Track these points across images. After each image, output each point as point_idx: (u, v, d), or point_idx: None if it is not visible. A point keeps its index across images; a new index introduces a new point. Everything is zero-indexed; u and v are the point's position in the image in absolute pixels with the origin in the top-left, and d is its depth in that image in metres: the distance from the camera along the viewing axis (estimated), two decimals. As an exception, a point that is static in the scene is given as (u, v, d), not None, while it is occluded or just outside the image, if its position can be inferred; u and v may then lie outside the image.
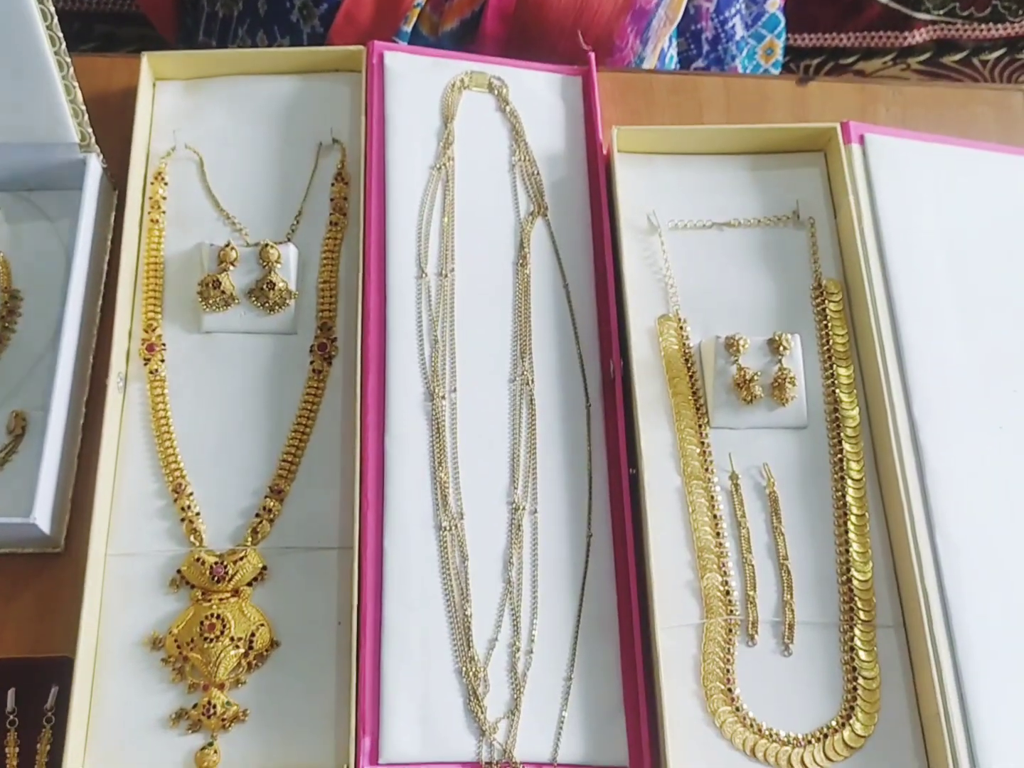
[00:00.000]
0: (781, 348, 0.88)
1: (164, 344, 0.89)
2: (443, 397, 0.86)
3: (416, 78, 0.98)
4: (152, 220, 0.94)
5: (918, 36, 1.59)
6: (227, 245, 0.91)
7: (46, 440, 0.82)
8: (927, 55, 1.67)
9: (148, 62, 0.98)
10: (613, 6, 1.09)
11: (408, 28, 1.08)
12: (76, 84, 0.88)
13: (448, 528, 0.82)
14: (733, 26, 1.41)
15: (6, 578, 0.84)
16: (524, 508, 0.83)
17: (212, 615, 0.80)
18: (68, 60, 0.86)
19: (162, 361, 0.89)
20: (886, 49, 1.63)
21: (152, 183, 0.95)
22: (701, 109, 1.03)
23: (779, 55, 1.53)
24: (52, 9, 0.83)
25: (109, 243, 0.95)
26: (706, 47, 1.41)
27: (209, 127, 0.98)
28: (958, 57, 1.66)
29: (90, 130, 0.91)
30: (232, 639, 0.79)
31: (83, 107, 0.89)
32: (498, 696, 0.78)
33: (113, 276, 0.93)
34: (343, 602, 0.81)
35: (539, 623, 0.80)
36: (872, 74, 1.70)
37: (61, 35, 0.84)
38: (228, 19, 1.18)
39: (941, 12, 1.55)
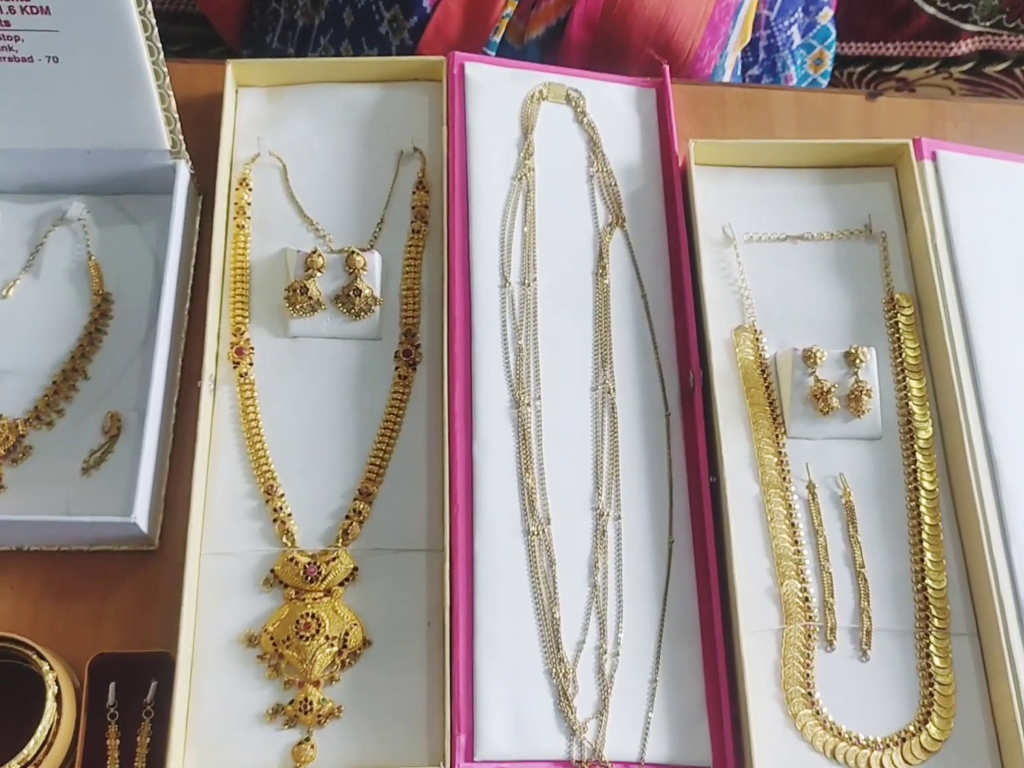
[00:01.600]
0: (857, 361, 0.90)
1: (252, 348, 0.91)
2: (528, 404, 0.88)
3: (496, 89, 1.00)
4: (238, 225, 0.96)
5: (964, 47, 1.60)
6: (314, 251, 0.93)
7: (144, 441, 0.84)
8: (970, 65, 1.68)
9: (233, 69, 1.00)
10: (695, 19, 1.11)
11: (497, 39, 1.10)
12: (171, 92, 0.90)
13: (536, 533, 0.84)
14: (790, 35, 1.43)
15: (103, 575, 0.86)
16: (608, 514, 0.86)
17: (307, 614, 0.82)
18: (165, 69, 0.88)
19: (251, 364, 0.91)
20: (930, 58, 1.65)
21: (237, 189, 0.97)
22: (772, 123, 1.04)
23: (828, 65, 1.55)
24: (152, 20, 0.85)
25: (195, 247, 0.97)
26: (762, 55, 1.42)
27: (290, 134, 1.00)
28: (1000, 67, 1.67)
29: (181, 137, 0.93)
30: (327, 638, 0.81)
31: (176, 115, 0.91)
32: (586, 697, 0.80)
33: (200, 280, 0.95)
34: (432, 603, 0.83)
35: (624, 626, 0.82)
36: (915, 82, 1.72)
37: (160, 45, 0.86)
38: (308, 28, 1.20)
39: (988, 24, 1.56)
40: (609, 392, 0.90)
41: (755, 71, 1.43)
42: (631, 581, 0.84)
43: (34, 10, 0.83)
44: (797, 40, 1.46)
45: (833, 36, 1.51)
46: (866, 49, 1.63)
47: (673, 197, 0.97)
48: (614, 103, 1.02)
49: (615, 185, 0.98)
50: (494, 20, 1.11)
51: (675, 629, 0.83)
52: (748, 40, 1.23)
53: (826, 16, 1.51)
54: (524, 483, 0.86)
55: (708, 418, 0.88)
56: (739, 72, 1.33)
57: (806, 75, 1.53)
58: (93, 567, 0.86)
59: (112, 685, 0.81)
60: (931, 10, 1.55)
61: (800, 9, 1.45)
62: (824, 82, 1.55)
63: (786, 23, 1.43)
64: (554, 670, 0.80)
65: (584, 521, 0.85)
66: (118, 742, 0.80)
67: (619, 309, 0.93)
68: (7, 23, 0.84)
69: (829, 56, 1.54)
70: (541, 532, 0.84)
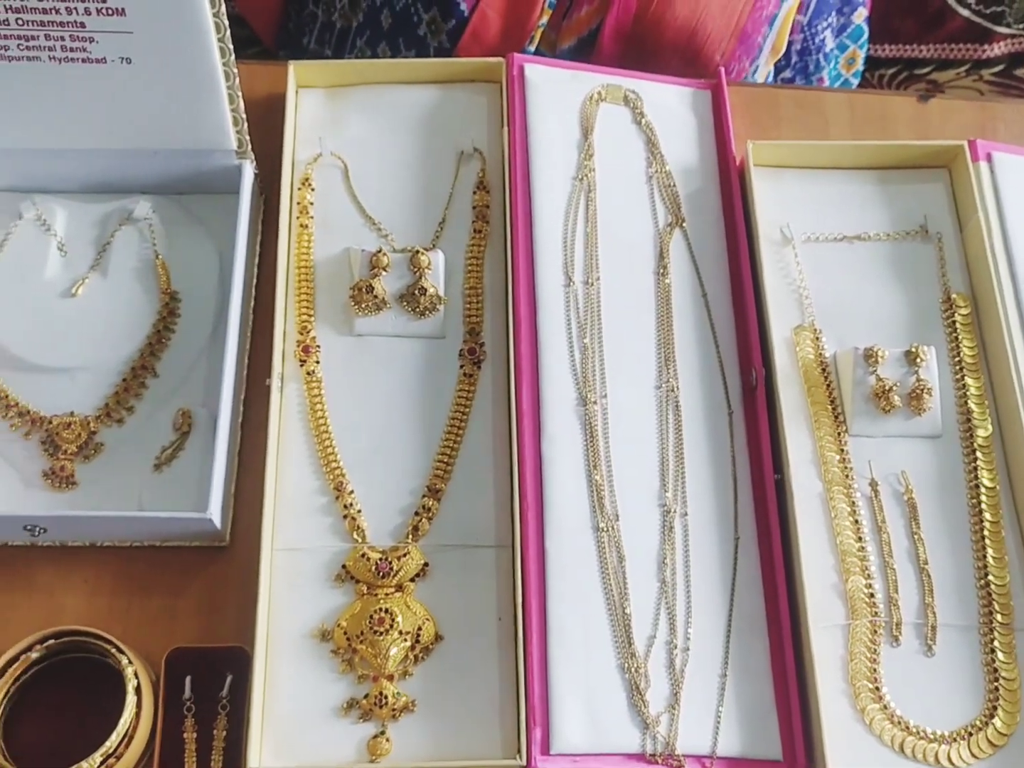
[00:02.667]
0: (918, 359, 0.91)
1: (318, 346, 0.92)
2: (594, 402, 0.89)
3: (554, 90, 1.01)
4: (301, 225, 0.97)
5: (996, 49, 1.61)
6: (379, 251, 0.94)
7: (217, 438, 0.85)
8: (1000, 67, 1.69)
9: (294, 70, 1.01)
10: (725, 30, 1.12)
11: (532, 48, 1.11)
12: (239, 93, 0.91)
13: (605, 529, 0.85)
14: (823, 39, 1.44)
15: (175, 571, 0.87)
16: (675, 511, 0.86)
17: (381, 609, 0.83)
18: (235, 70, 0.89)
19: (317, 363, 0.92)
20: (961, 61, 1.66)
21: (299, 188, 0.98)
22: (827, 124, 1.06)
23: (860, 65, 1.56)
24: (225, 21, 0.86)
25: (259, 247, 0.98)
26: (795, 58, 1.43)
27: (350, 134, 1.01)
28: (1031, 69, 1.68)
29: (247, 138, 0.94)
30: (401, 633, 0.82)
31: (243, 115, 0.92)
32: (658, 691, 0.81)
33: (264, 279, 0.96)
34: (502, 598, 0.84)
35: (693, 622, 0.83)
36: (944, 84, 1.73)
37: (231, 46, 0.87)
38: (346, 30, 1.21)
39: (1021, 26, 1.57)
40: (673, 390, 0.91)
41: (787, 74, 1.44)
42: (699, 577, 0.85)
43: (110, 12, 0.84)
44: (830, 43, 1.47)
45: (866, 35, 1.52)
46: (899, 51, 1.64)
47: (731, 197, 0.98)
48: (670, 104, 1.03)
49: (674, 186, 0.99)
50: (530, 28, 1.13)
51: (742, 624, 0.84)
52: (783, 51, 1.24)
53: (860, 16, 1.52)
54: (592, 480, 0.86)
55: (770, 416, 0.89)
56: (772, 77, 1.34)
57: (838, 75, 1.54)
58: (165, 562, 0.87)
59: (188, 679, 0.82)
60: (965, 12, 1.56)
61: (834, 12, 1.46)
62: (855, 82, 1.56)
63: (820, 27, 1.44)
64: (626, 664, 0.81)
65: (651, 517, 0.86)
66: (195, 735, 0.81)
67: (680, 308, 0.94)
68: (82, 24, 0.85)
69: (862, 55, 1.55)
70: (610, 528, 0.85)
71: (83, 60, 0.87)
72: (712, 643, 0.83)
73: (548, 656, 0.80)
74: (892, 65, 1.72)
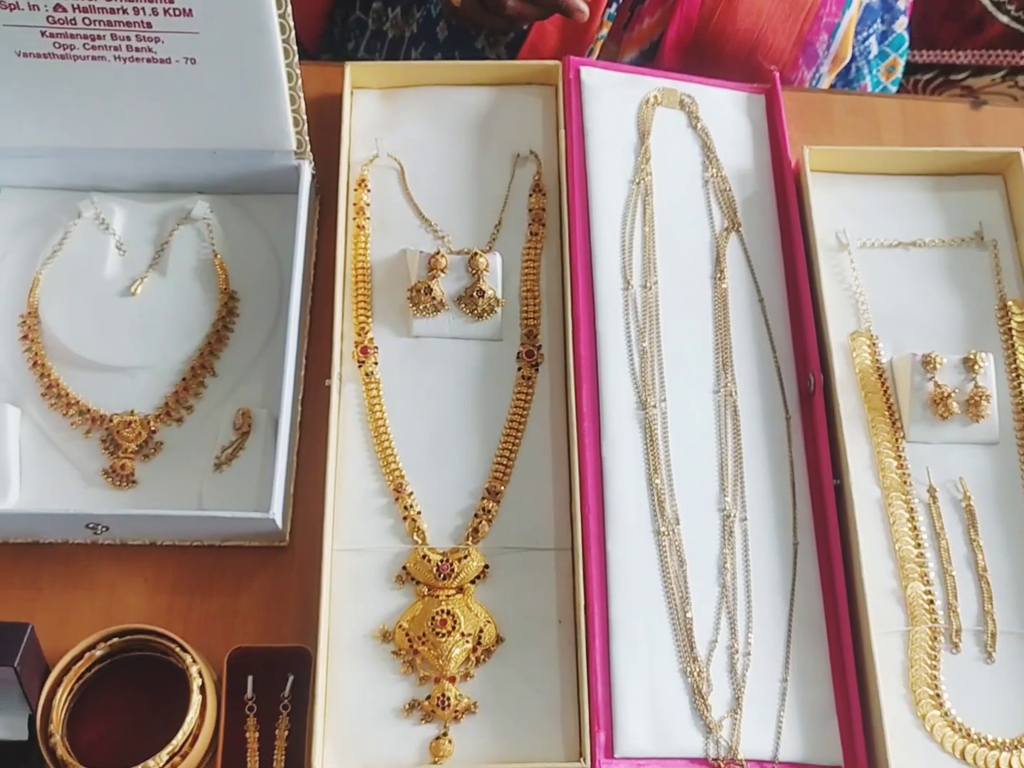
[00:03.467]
0: (976, 366, 0.91)
1: (376, 347, 0.93)
2: (654, 406, 0.89)
3: (611, 93, 1.01)
4: (358, 226, 0.97)
5: (1033, 55, 1.62)
6: (437, 252, 0.94)
7: (278, 438, 0.85)
8: (1036, 73, 1.69)
9: (351, 71, 1.01)
10: (787, 42, 1.12)
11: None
12: (301, 94, 0.91)
13: (665, 533, 0.85)
14: (868, 46, 1.44)
15: (235, 570, 0.87)
16: (734, 515, 0.87)
17: (443, 611, 0.83)
18: (298, 71, 0.89)
19: (375, 364, 0.92)
20: (998, 67, 1.66)
21: (356, 189, 0.98)
22: (879, 130, 1.06)
23: (899, 73, 1.56)
24: (291, 22, 0.86)
25: (315, 247, 0.98)
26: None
27: (405, 136, 1.01)
28: (1066, 76, 1.68)
29: (307, 138, 0.94)
30: (463, 634, 0.82)
31: (304, 116, 0.92)
32: (720, 695, 0.81)
33: (321, 279, 0.97)
34: (562, 601, 0.84)
35: (754, 626, 0.83)
36: (980, 90, 1.73)
37: (296, 47, 0.87)
38: (398, 40, 1.21)
39: (1060, 33, 1.58)
40: (731, 395, 0.91)
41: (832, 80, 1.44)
42: (759, 582, 0.85)
43: (177, 12, 0.84)
44: (875, 50, 1.47)
45: (907, 44, 1.52)
46: (936, 57, 1.64)
47: (786, 202, 0.98)
48: (725, 109, 1.03)
49: (729, 190, 0.99)
50: (589, 41, 1.13)
51: (802, 629, 0.84)
52: (847, 60, 1.24)
53: (901, 24, 1.52)
54: (652, 484, 0.87)
55: (828, 422, 0.89)
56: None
57: (878, 82, 1.54)
58: (225, 562, 0.87)
59: (250, 678, 0.82)
60: (1004, 19, 1.57)
61: (878, 19, 1.47)
62: (894, 89, 1.56)
63: (865, 34, 1.43)
64: (688, 669, 0.81)
65: (711, 522, 0.86)
66: (257, 734, 0.81)
67: (737, 313, 0.94)
68: (149, 24, 0.85)
69: (901, 64, 1.55)
70: (671, 532, 0.85)
71: (148, 60, 0.87)
72: (772, 648, 0.83)
73: (611, 660, 0.81)
74: (928, 71, 1.72)
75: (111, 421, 0.89)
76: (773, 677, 0.82)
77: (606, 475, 0.86)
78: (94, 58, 0.87)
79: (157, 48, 0.86)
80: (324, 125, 1.01)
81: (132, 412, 0.89)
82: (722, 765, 0.78)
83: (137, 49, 0.86)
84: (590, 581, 0.82)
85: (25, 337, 0.92)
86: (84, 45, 0.86)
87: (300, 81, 0.90)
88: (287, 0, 0.84)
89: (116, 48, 0.86)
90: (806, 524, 0.87)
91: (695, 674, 0.81)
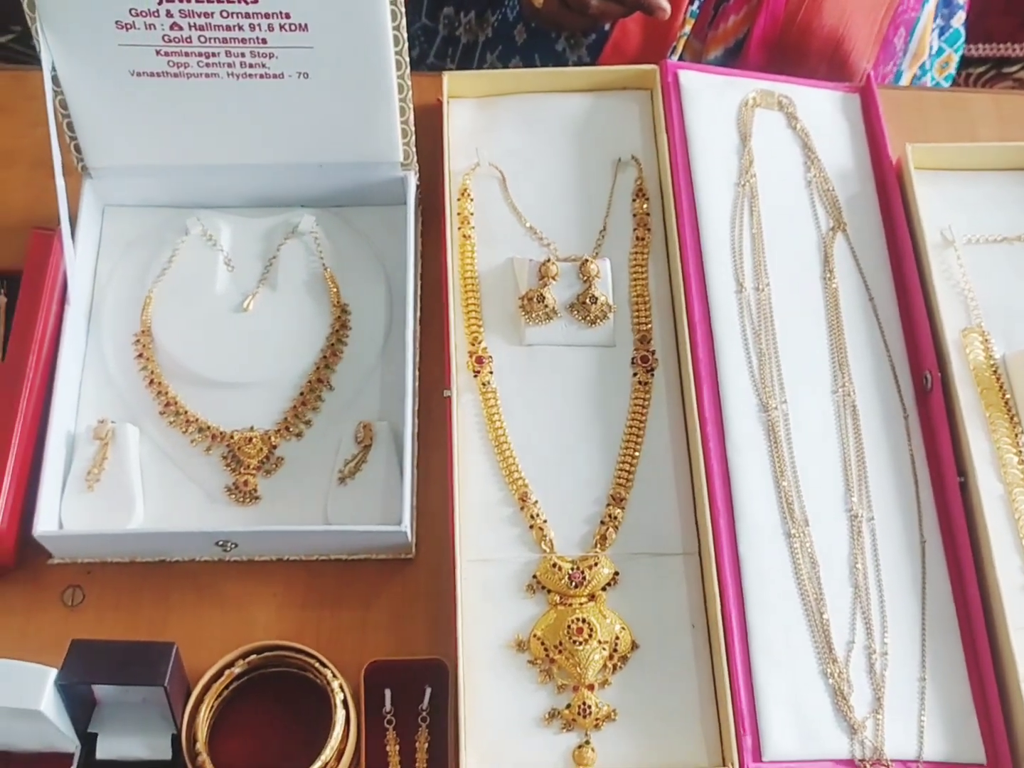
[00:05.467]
0: (1092, 359, 0.91)
1: (490, 356, 0.92)
2: (775, 408, 0.89)
3: (710, 96, 1.01)
4: (463, 235, 0.97)
5: (1089, 46, 1.62)
6: (547, 260, 0.94)
7: (404, 451, 0.85)
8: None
9: (448, 81, 1.01)
10: (869, 37, 1.12)
11: (675, 58, 1.12)
12: (411, 105, 0.91)
13: (796, 535, 0.85)
14: (931, 41, 1.44)
15: (363, 583, 0.87)
16: (862, 515, 0.87)
17: (578, 619, 0.83)
18: (409, 83, 0.89)
19: (491, 373, 0.92)
20: (1052, 58, 1.67)
21: (459, 199, 0.98)
22: (974, 126, 1.06)
23: (952, 69, 1.56)
24: (404, 34, 0.86)
25: (420, 258, 0.98)
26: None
27: (504, 144, 1.02)
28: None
29: (414, 149, 0.94)
30: (600, 642, 0.82)
31: (412, 127, 0.92)
32: (861, 696, 0.81)
33: (427, 290, 0.97)
34: (693, 605, 0.84)
35: (888, 626, 0.83)
36: (1032, 82, 1.73)
37: (408, 59, 0.87)
38: (472, 44, 1.21)
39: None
40: (849, 394, 0.91)
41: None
42: (890, 581, 0.85)
43: (293, 27, 0.84)
44: (935, 46, 1.47)
45: (962, 39, 1.52)
46: (991, 50, 1.64)
47: (888, 200, 0.98)
48: (821, 108, 1.03)
49: (833, 190, 0.99)
50: (671, 39, 1.13)
51: (936, 627, 0.84)
52: (926, 55, 1.24)
53: (959, 19, 1.52)
54: (780, 486, 0.87)
55: (946, 418, 0.89)
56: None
57: (931, 78, 1.55)
58: (352, 575, 0.87)
59: (387, 691, 0.82)
60: (1062, 10, 1.57)
61: (939, 15, 1.47)
62: (946, 85, 1.56)
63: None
64: (828, 670, 0.81)
65: (839, 522, 0.86)
66: (397, 747, 0.81)
67: (848, 312, 0.94)
68: (264, 40, 0.85)
69: (956, 59, 1.55)
70: (801, 534, 0.85)
71: (260, 76, 0.87)
72: (909, 647, 0.83)
73: (752, 663, 0.81)
74: (981, 64, 1.72)
75: (232, 438, 0.89)
76: (911, 676, 0.82)
77: (733, 478, 0.86)
78: (207, 75, 0.87)
79: (271, 64, 0.87)
80: (420, 135, 1.01)
81: (252, 428, 0.89)
82: (868, 766, 0.78)
83: (251, 65, 0.87)
84: (724, 585, 0.82)
85: (140, 356, 0.92)
86: (198, 63, 0.86)
87: (410, 92, 0.90)
88: (402, 11, 0.84)
89: (230, 65, 0.87)
90: (931, 522, 0.87)
91: (835, 675, 0.81)
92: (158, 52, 0.85)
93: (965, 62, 1.72)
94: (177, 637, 0.80)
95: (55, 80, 0.86)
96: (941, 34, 1.51)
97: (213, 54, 0.86)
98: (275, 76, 0.87)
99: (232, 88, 0.88)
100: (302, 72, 0.87)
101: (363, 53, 0.86)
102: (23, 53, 1.74)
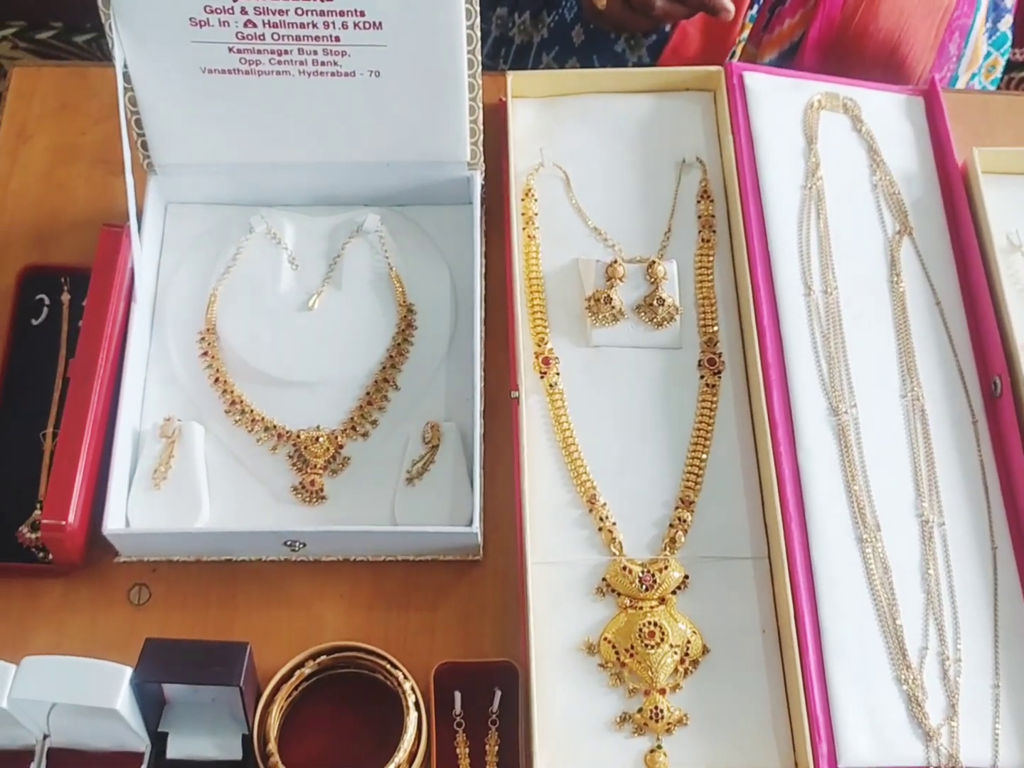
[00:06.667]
0: None
1: (557, 358, 0.92)
2: (845, 412, 0.89)
3: (775, 98, 1.01)
4: (528, 236, 0.97)
5: None
6: (614, 261, 0.93)
7: (474, 452, 0.85)
8: None
9: (512, 81, 1.01)
10: (926, 42, 1.12)
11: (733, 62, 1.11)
12: (480, 105, 0.90)
13: (868, 540, 0.84)
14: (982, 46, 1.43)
15: (431, 585, 0.86)
16: (932, 521, 0.86)
17: (650, 623, 0.82)
18: (479, 82, 0.89)
19: (557, 374, 0.91)
20: (1098, 62, 1.66)
21: (523, 199, 0.98)
22: (1037, 129, 1.05)
23: (999, 72, 1.55)
24: (478, 33, 0.85)
25: (484, 258, 0.98)
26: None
27: (567, 144, 1.01)
28: None
29: (481, 149, 0.94)
30: (671, 646, 0.82)
31: (481, 127, 0.92)
32: (935, 703, 0.80)
33: (491, 291, 0.96)
34: (764, 610, 0.84)
35: (961, 632, 0.83)
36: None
37: (480, 58, 0.87)
38: (526, 45, 1.21)
39: None
40: (918, 399, 0.90)
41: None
42: (962, 587, 0.84)
43: (367, 25, 0.84)
44: (984, 50, 1.47)
45: (1009, 43, 1.52)
46: (1035, 54, 1.63)
47: (954, 204, 0.98)
48: (885, 111, 1.03)
49: (899, 193, 0.99)
50: (731, 43, 1.12)
51: (1008, 634, 0.83)
52: (981, 61, 1.23)
53: (1007, 23, 1.51)
54: (851, 490, 0.86)
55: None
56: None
57: (979, 82, 1.54)
58: (420, 577, 0.86)
59: (457, 694, 0.82)
60: (1110, 14, 1.56)
61: (990, 19, 1.46)
62: (992, 88, 1.55)
63: (978, 33, 1.43)
64: (902, 676, 0.80)
65: (911, 528, 0.86)
66: (467, 750, 0.81)
67: (916, 316, 0.94)
68: (337, 38, 0.85)
69: (1002, 63, 1.54)
70: (872, 539, 0.85)
71: (332, 74, 0.87)
72: (982, 653, 0.82)
73: (826, 669, 0.80)
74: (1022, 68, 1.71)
75: (298, 437, 0.88)
76: (985, 683, 0.81)
77: (804, 482, 0.86)
78: (278, 73, 0.87)
79: (343, 62, 0.86)
80: (483, 135, 1.00)
81: (318, 427, 0.89)
82: (944, 773, 0.78)
83: (323, 63, 0.86)
84: (797, 590, 0.82)
85: (205, 354, 0.91)
86: (270, 60, 0.86)
87: (480, 92, 0.89)
88: (476, 10, 0.84)
89: (301, 63, 0.86)
90: (1002, 528, 0.87)
91: (909, 681, 0.80)
92: (231, 49, 0.85)
93: (1008, 66, 1.71)
94: (243, 637, 0.80)
95: (126, 77, 0.86)
96: (988, 37, 1.51)
97: (285, 51, 0.85)
98: (346, 74, 0.87)
99: (302, 86, 0.88)
100: (373, 70, 0.87)
101: (436, 52, 0.86)
102: (85, 51, 1.73)
